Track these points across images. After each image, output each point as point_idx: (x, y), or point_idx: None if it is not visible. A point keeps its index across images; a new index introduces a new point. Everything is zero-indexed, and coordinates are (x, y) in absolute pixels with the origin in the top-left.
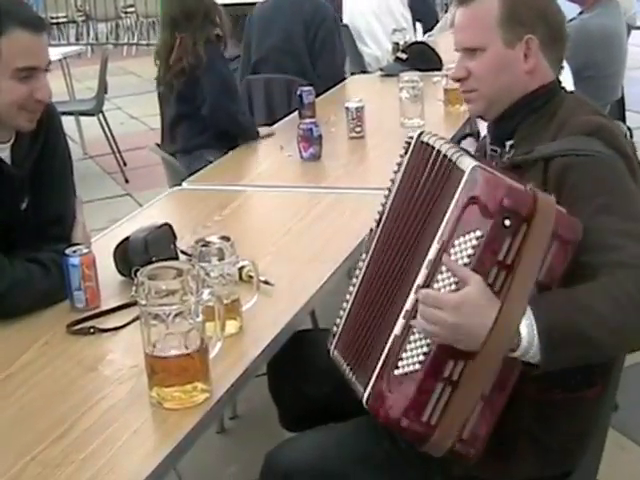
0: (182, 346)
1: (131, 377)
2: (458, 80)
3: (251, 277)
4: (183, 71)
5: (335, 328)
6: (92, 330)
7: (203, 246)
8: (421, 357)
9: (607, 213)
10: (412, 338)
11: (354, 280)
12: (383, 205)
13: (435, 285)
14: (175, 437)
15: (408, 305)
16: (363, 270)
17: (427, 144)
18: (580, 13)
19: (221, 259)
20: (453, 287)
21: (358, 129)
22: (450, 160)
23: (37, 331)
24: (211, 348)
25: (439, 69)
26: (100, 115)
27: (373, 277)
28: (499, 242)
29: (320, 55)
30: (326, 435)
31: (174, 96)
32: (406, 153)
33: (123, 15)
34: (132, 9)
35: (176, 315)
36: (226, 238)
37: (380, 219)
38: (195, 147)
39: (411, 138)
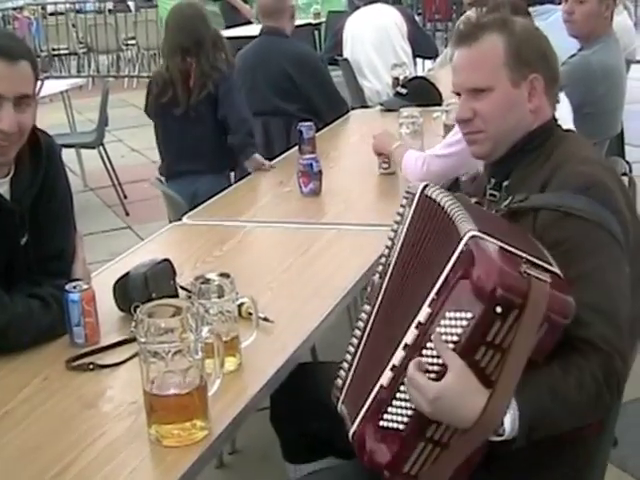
0: (181, 384)
1: (130, 414)
2: (463, 121)
3: (250, 314)
4: (210, 94)
5: (340, 381)
6: (91, 366)
7: (203, 283)
8: (405, 419)
9: (583, 282)
10: (398, 395)
11: (357, 332)
12: (386, 257)
13: (423, 352)
14: (174, 475)
15: (396, 360)
16: (369, 324)
17: (432, 199)
18: (580, 49)
19: (220, 296)
20: (436, 368)
21: (385, 165)
22: (451, 219)
23: (37, 366)
24: (210, 385)
25: (439, 104)
26: (101, 147)
27: (376, 330)
28: (488, 325)
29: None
30: (327, 476)
31: (196, 119)
32: (409, 205)
33: (124, 47)
34: (133, 41)
35: (175, 353)
36: (226, 275)
37: (384, 272)
38: (225, 167)
39: (410, 188)
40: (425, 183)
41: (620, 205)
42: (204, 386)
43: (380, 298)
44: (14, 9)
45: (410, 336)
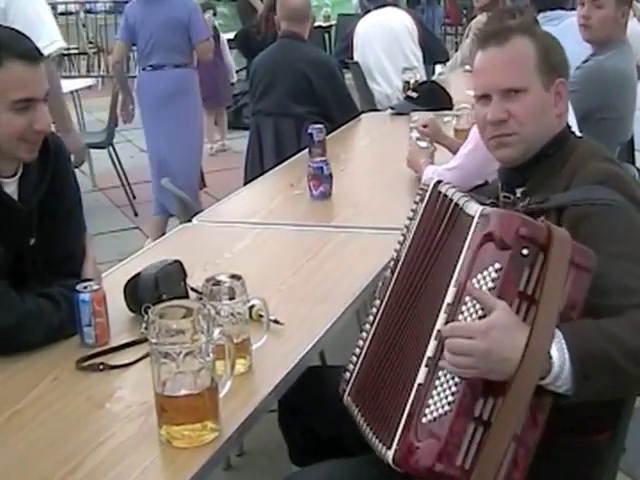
0: (192, 385)
1: (140, 414)
2: (497, 123)
3: (261, 316)
4: None
5: (348, 374)
6: (101, 366)
7: (214, 285)
8: (450, 398)
9: (622, 259)
10: (437, 383)
11: (367, 326)
12: (398, 252)
13: (459, 318)
14: (184, 476)
15: (430, 352)
16: (377, 318)
17: (444, 195)
18: (592, 54)
19: (232, 298)
20: (480, 313)
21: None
22: (457, 205)
23: (46, 367)
24: (221, 387)
25: (450, 108)
26: (110, 148)
27: (388, 326)
28: (519, 272)
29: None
30: (335, 469)
31: None
32: (422, 201)
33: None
34: None
35: (186, 354)
36: (237, 277)
37: (395, 267)
38: None
39: (426, 186)
40: (437, 179)
41: (638, 197)
42: (215, 387)
43: (389, 291)
44: None
45: (441, 320)
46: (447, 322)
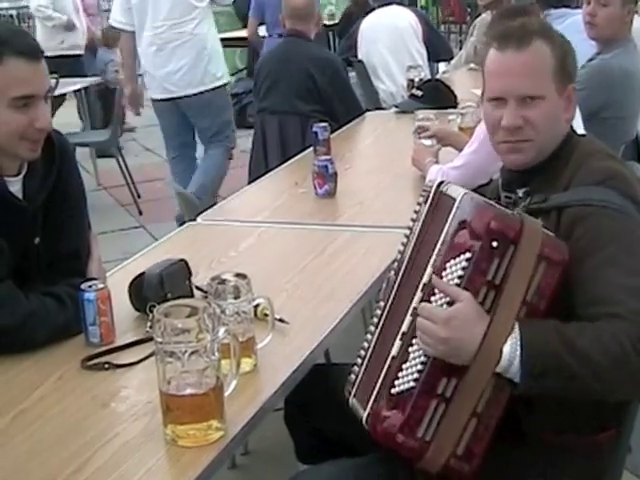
0: (197, 384)
1: (146, 413)
2: (513, 129)
3: (266, 315)
4: None
5: (353, 376)
6: (107, 365)
7: (219, 284)
8: (415, 375)
9: (612, 265)
10: (408, 357)
11: (371, 328)
12: (401, 253)
13: (431, 300)
14: (189, 475)
15: (404, 327)
16: (382, 320)
17: (446, 195)
18: (598, 53)
19: (237, 297)
20: (445, 305)
21: None
22: (452, 199)
23: (51, 366)
24: (226, 386)
25: (454, 107)
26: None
27: (392, 328)
28: (487, 262)
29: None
30: (341, 469)
31: None
32: (425, 202)
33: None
34: None
35: (192, 353)
36: (242, 276)
37: (399, 269)
38: None
39: (429, 187)
40: (440, 180)
41: (639, 196)
42: (220, 386)
43: (393, 294)
44: (29, 7)
45: (416, 299)
46: (422, 301)
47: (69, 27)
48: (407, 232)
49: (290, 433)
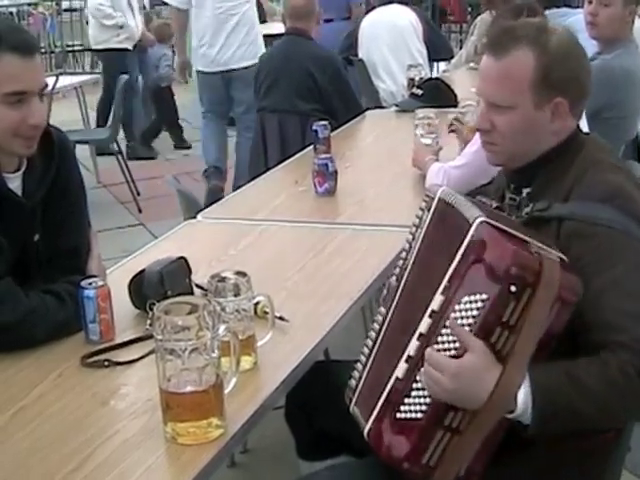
0: (197, 381)
1: (145, 411)
2: (480, 131)
3: (266, 313)
4: None
5: (353, 382)
6: (106, 363)
7: (219, 281)
8: (423, 407)
9: (616, 289)
10: (415, 386)
11: (372, 334)
12: (404, 260)
13: (438, 339)
14: (189, 473)
15: (411, 350)
16: (384, 328)
17: (448, 203)
18: (598, 53)
19: (237, 295)
20: (453, 352)
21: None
22: (462, 215)
23: (51, 363)
24: (226, 383)
25: (454, 105)
26: (114, 144)
27: (395, 340)
28: (504, 306)
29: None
30: (339, 474)
31: None
32: (428, 209)
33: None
34: None
35: (192, 350)
36: (242, 273)
37: (401, 276)
38: None
39: (432, 193)
40: (443, 188)
41: None
42: (220, 384)
43: (396, 302)
44: (29, 5)
45: (424, 325)
46: (430, 328)
47: (125, 25)
48: (409, 238)
49: (291, 430)
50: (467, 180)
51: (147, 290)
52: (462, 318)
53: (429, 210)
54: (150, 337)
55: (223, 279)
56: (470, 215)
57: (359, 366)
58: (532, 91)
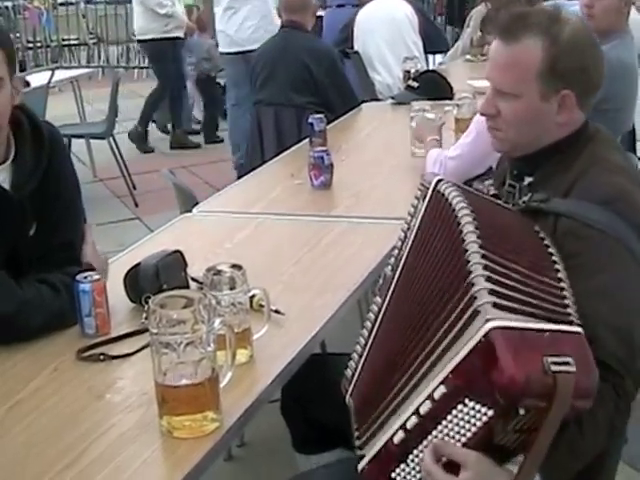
0: (193, 375)
1: (141, 405)
2: (485, 115)
3: (262, 306)
4: None
5: (350, 372)
6: (102, 357)
7: (215, 275)
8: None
9: (601, 298)
10: (414, 452)
11: (368, 324)
12: (399, 250)
13: (433, 432)
14: (185, 467)
15: (409, 424)
16: (379, 318)
17: (444, 196)
18: None
19: (232, 288)
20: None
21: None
22: (462, 239)
23: (47, 357)
24: (222, 377)
25: (450, 98)
26: (110, 138)
27: (390, 329)
28: (510, 421)
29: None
30: (336, 472)
31: None
32: (423, 199)
33: (134, 38)
34: None
35: (187, 344)
36: (237, 267)
37: (396, 266)
38: None
39: (424, 181)
40: (439, 178)
41: None
42: (216, 377)
43: (391, 292)
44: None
45: (424, 408)
46: (429, 412)
47: (175, 14)
48: (404, 227)
49: (287, 423)
50: (463, 171)
51: (143, 284)
52: (463, 422)
53: (424, 199)
54: (146, 331)
55: (219, 272)
56: (479, 295)
57: (355, 356)
58: (538, 82)
